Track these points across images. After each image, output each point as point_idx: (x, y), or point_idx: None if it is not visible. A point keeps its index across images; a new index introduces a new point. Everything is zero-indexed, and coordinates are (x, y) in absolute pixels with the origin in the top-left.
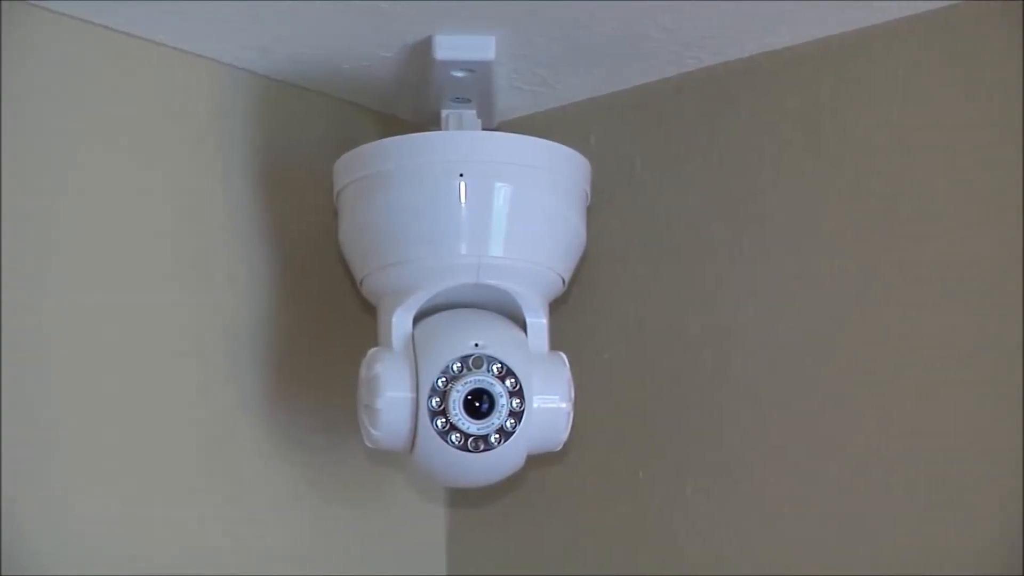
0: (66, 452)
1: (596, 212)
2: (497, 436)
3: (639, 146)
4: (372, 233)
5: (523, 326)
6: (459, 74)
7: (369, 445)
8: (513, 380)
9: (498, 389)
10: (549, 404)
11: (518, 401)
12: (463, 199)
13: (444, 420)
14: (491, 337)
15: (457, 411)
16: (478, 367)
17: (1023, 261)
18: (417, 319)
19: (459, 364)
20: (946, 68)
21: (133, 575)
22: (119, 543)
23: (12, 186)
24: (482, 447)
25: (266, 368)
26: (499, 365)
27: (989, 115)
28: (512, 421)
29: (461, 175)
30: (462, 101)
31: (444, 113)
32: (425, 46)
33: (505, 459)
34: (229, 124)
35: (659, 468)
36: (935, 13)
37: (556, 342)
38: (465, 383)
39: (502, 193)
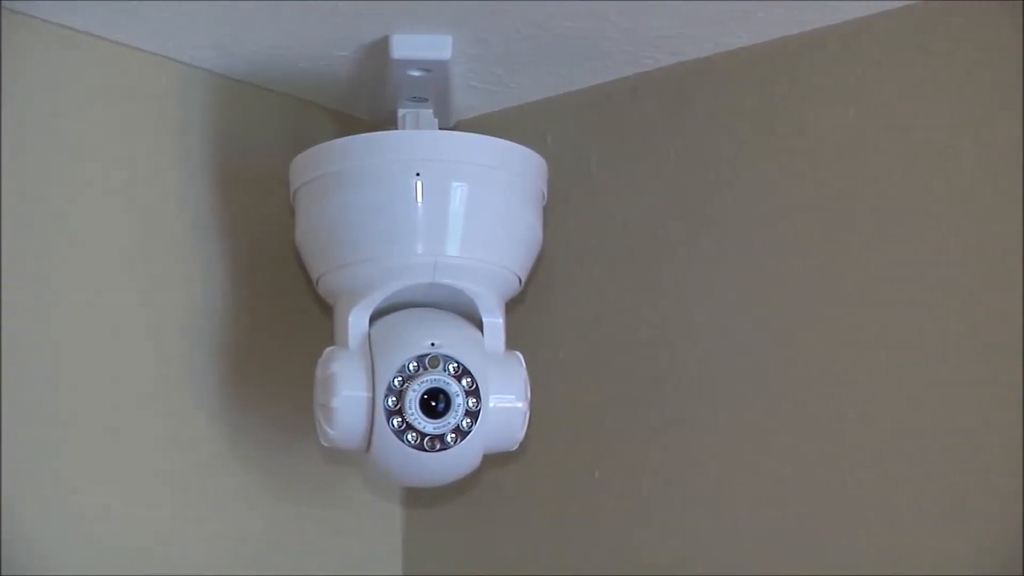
0: (17, 448)
1: (553, 212)
2: (453, 436)
3: (596, 146)
4: (328, 232)
5: (479, 326)
6: (416, 73)
7: (325, 444)
8: (469, 380)
9: (454, 388)
10: (505, 404)
11: (474, 401)
12: (419, 199)
13: (400, 419)
14: (447, 337)
15: (413, 410)
16: (434, 367)
17: (982, 260)
18: (373, 318)
19: (415, 363)
20: (904, 68)
21: (85, 573)
22: (72, 539)
23: None
24: (438, 447)
25: (223, 367)
26: (455, 364)
27: (947, 115)
28: (468, 421)
29: (418, 174)
30: (419, 100)
31: (401, 112)
32: (382, 45)
33: (461, 459)
34: (186, 123)
35: (615, 468)
36: (893, 13)
37: (512, 342)
38: (421, 382)
39: (458, 192)
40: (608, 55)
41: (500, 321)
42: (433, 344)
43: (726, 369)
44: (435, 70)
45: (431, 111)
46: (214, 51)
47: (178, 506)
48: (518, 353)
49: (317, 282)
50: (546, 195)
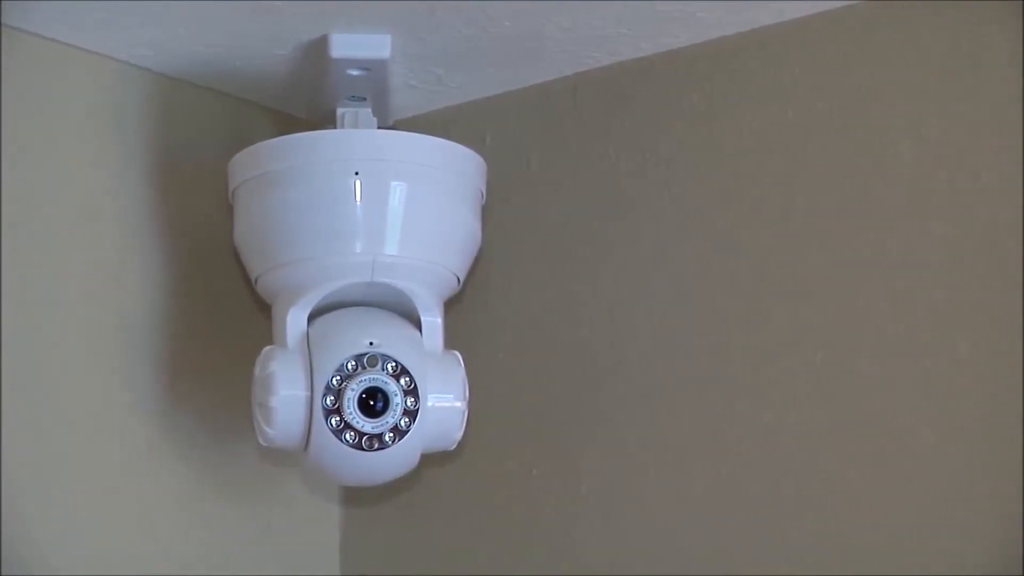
0: None
1: (491, 211)
2: (392, 435)
3: (535, 145)
4: (267, 232)
5: (418, 325)
6: (355, 72)
7: (263, 444)
8: (408, 379)
9: (393, 388)
10: (444, 403)
11: (412, 400)
12: (358, 198)
13: (339, 418)
14: (385, 336)
15: (351, 409)
16: (372, 366)
17: (920, 258)
18: (312, 318)
19: (353, 363)
20: (843, 69)
21: (19, 574)
22: (7, 540)
23: None
24: (376, 446)
25: (160, 367)
26: (394, 364)
27: (886, 115)
28: (406, 420)
29: (356, 174)
30: (358, 99)
31: (340, 111)
32: (321, 44)
33: (399, 458)
34: (124, 121)
35: (553, 467)
36: (832, 14)
37: (451, 341)
38: (359, 382)
39: (397, 192)
40: (547, 55)
41: (439, 320)
42: (372, 343)
43: (665, 368)
44: (374, 69)
45: (370, 110)
46: (151, 49)
47: (115, 507)
48: (456, 352)
49: (256, 281)
50: (485, 195)
